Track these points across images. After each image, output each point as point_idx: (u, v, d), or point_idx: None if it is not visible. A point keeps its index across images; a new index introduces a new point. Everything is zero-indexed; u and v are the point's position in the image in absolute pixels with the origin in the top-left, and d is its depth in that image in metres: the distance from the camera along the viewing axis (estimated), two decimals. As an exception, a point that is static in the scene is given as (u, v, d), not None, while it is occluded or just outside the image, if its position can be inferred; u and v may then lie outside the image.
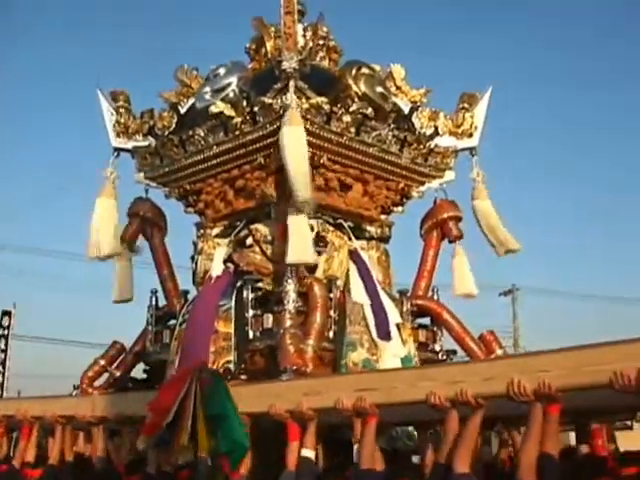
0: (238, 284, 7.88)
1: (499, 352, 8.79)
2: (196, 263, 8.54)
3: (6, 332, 25.70)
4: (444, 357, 8.80)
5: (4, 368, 25.55)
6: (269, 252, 8.02)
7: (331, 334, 7.63)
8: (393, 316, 7.99)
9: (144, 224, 9.17)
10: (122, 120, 9.18)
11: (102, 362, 9.06)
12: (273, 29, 8.62)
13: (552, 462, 4.54)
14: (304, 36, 7.94)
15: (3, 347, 25.62)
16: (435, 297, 8.99)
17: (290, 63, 7.49)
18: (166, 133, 8.85)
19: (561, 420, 4.79)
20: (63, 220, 63.17)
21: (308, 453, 5.69)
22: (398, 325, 8.04)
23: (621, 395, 4.47)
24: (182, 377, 5.76)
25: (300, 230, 7.60)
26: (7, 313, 25.89)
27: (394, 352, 7.88)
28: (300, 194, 7.26)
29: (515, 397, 4.76)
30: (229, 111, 7.95)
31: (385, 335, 7.79)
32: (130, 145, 9.16)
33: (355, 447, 5.48)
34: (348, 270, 8.10)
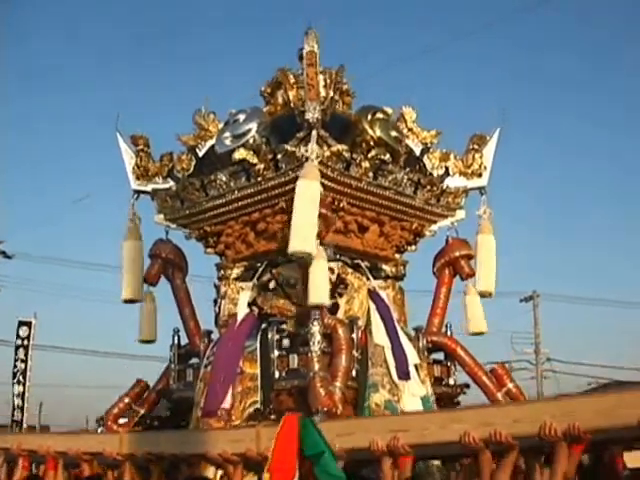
0: (263, 326, 8.14)
1: (510, 386, 9.06)
2: (219, 307, 8.79)
3: (26, 342, 25.60)
4: (458, 391, 9.08)
5: (24, 378, 25.44)
6: (292, 295, 8.28)
7: (354, 373, 7.88)
8: (411, 357, 8.27)
9: (166, 265, 9.42)
10: (142, 163, 9.44)
11: (126, 400, 9.28)
12: (292, 76, 8.90)
13: None
14: (325, 86, 8.20)
15: (23, 357, 25.52)
16: (448, 333, 9.27)
17: (313, 114, 7.79)
18: (185, 175, 9.13)
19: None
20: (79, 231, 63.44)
21: None
22: (416, 366, 8.33)
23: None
24: (293, 429, 5.77)
25: (319, 273, 7.85)
26: (26, 323, 25.81)
27: (413, 392, 8.16)
28: (298, 246, 7.53)
29: (545, 438, 5.01)
30: (252, 158, 8.24)
31: (404, 375, 8.07)
32: (150, 187, 9.42)
33: None
34: (368, 309, 8.37)
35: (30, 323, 25.90)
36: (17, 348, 25.66)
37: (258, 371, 7.89)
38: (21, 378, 25.45)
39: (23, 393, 25.32)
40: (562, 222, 61.64)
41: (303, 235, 7.59)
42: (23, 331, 25.79)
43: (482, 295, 9.30)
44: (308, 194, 7.69)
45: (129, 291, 9.18)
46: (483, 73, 58.52)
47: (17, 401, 25.10)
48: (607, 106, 63.72)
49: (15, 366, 25.59)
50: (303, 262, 7.83)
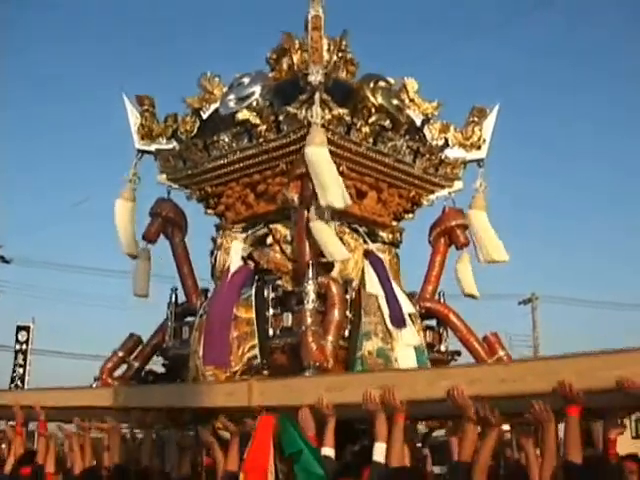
0: (259, 283, 8.30)
1: (501, 353, 9.21)
2: (215, 258, 8.94)
3: (24, 347, 25.57)
4: (449, 357, 9.23)
5: (23, 383, 25.46)
6: (288, 252, 8.43)
7: (346, 333, 8.02)
8: (406, 306, 8.42)
9: (165, 224, 9.57)
10: (146, 123, 9.56)
11: (120, 354, 9.40)
12: (297, 42, 9.02)
13: (579, 471, 4.74)
14: (328, 50, 8.32)
15: (21, 362, 25.52)
16: (442, 300, 9.41)
17: (316, 76, 7.91)
18: (189, 137, 9.25)
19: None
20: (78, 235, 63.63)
21: (329, 452, 5.87)
22: (411, 316, 8.46)
23: (625, 396, 4.87)
24: (268, 430, 5.88)
25: (329, 233, 8.04)
26: (25, 328, 25.78)
27: (407, 341, 8.27)
28: (336, 202, 7.73)
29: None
30: (254, 119, 8.36)
31: (400, 323, 8.20)
32: (153, 147, 9.55)
33: (376, 445, 5.60)
34: (363, 269, 8.51)
35: (29, 328, 25.94)
36: (16, 353, 25.73)
37: (254, 315, 8.04)
38: (19, 383, 25.52)
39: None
40: (560, 224, 61.78)
41: (338, 192, 7.78)
42: (22, 336, 25.84)
43: (494, 262, 9.25)
44: (321, 159, 7.85)
45: (125, 248, 9.38)
46: (480, 77, 58.25)
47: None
48: (607, 108, 63.59)
49: (14, 371, 25.66)
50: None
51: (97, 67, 61.11)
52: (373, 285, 8.38)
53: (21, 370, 25.44)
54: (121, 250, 9.36)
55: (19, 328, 25.64)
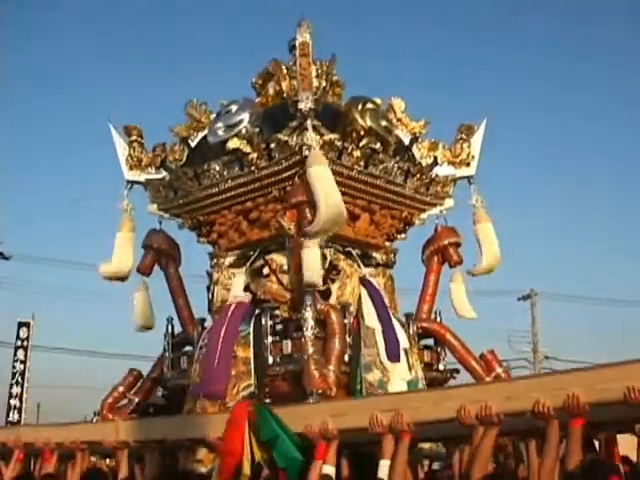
0: (256, 312, 8.30)
1: (499, 370, 9.23)
2: (212, 293, 8.94)
3: (25, 343, 25.53)
4: (448, 376, 9.25)
5: (23, 379, 25.39)
6: (285, 281, 8.44)
7: (346, 358, 8.04)
8: (402, 340, 8.44)
9: (159, 255, 9.56)
10: (135, 154, 9.55)
11: (121, 389, 9.40)
12: (284, 67, 9.02)
13: None
14: (317, 76, 8.35)
15: (22, 358, 25.45)
16: (438, 319, 9.43)
17: (306, 103, 7.96)
18: (178, 165, 9.27)
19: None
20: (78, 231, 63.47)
21: (329, 470, 5.85)
22: (406, 350, 8.49)
23: (631, 408, 4.88)
24: (241, 415, 5.83)
25: (312, 257, 8.03)
26: (25, 324, 25.73)
27: (401, 376, 8.33)
28: (330, 226, 7.76)
29: (539, 415, 5.07)
30: (245, 147, 8.39)
31: (395, 357, 8.24)
32: (143, 178, 9.55)
33: (382, 462, 5.57)
34: (360, 296, 8.53)
35: (29, 324, 25.87)
36: (16, 349, 25.62)
37: (251, 355, 8.04)
38: (19, 379, 25.43)
39: (21, 394, 25.26)
40: (560, 220, 61.75)
41: (338, 216, 7.85)
42: (23, 332, 25.75)
43: (486, 272, 9.41)
44: (323, 177, 7.90)
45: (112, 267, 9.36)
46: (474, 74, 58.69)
47: (14, 402, 25.04)
48: (608, 102, 63.99)
49: (14, 367, 25.56)
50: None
51: (96, 63, 60.97)
52: (371, 318, 8.42)
53: (22, 366, 25.36)
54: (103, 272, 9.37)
55: (20, 324, 25.59)
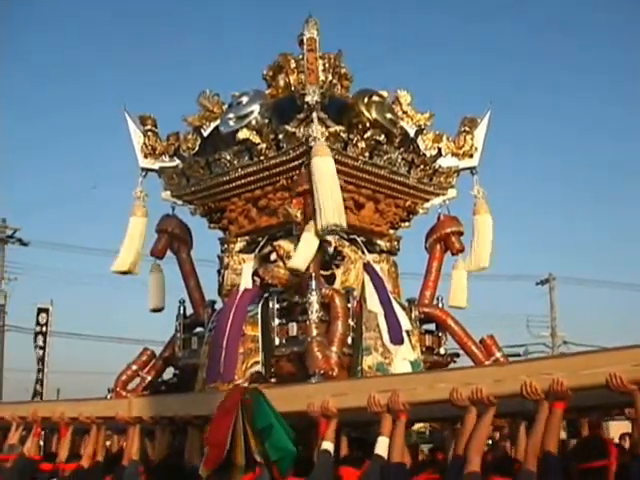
0: (264, 295, 8.66)
1: (498, 355, 9.56)
2: (222, 277, 9.31)
3: (44, 329, 25.71)
4: (449, 360, 9.59)
5: (43, 365, 25.59)
6: (291, 266, 8.76)
7: (349, 340, 8.39)
8: (404, 323, 8.78)
9: (172, 239, 9.94)
10: (149, 142, 9.91)
11: (134, 367, 9.80)
12: (293, 60, 9.38)
13: (554, 459, 4.97)
14: (324, 70, 8.67)
15: (41, 344, 25.64)
16: (440, 305, 9.77)
17: (313, 96, 8.29)
18: (191, 154, 9.62)
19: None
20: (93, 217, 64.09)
21: (328, 445, 6.17)
22: (408, 332, 8.84)
23: (612, 394, 5.20)
24: (231, 407, 5.96)
25: (308, 243, 8.37)
26: (44, 310, 25.90)
27: (404, 356, 8.67)
28: (330, 219, 8.02)
29: (527, 396, 5.32)
30: (254, 138, 8.73)
31: (397, 340, 8.58)
32: (157, 166, 9.93)
33: (380, 439, 5.86)
34: (363, 281, 8.88)
35: (48, 310, 26.06)
36: (36, 335, 25.82)
37: (259, 333, 8.41)
38: (40, 365, 25.67)
39: (42, 379, 25.50)
40: (579, 204, 61.61)
41: (335, 209, 8.10)
42: (42, 318, 25.92)
43: (476, 270, 9.75)
44: (326, 169, 8.22)
45: (126, 264, 9.67)
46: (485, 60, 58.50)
47: (37, 387, 25.34)
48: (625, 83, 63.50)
49: (35, 353, 25.81)
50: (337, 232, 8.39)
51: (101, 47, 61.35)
52: (373, 302, 8.75)
53: (41, 352, 25.54)
54: (114, 268, 9.73)
55: (39, 310, 25.73)
